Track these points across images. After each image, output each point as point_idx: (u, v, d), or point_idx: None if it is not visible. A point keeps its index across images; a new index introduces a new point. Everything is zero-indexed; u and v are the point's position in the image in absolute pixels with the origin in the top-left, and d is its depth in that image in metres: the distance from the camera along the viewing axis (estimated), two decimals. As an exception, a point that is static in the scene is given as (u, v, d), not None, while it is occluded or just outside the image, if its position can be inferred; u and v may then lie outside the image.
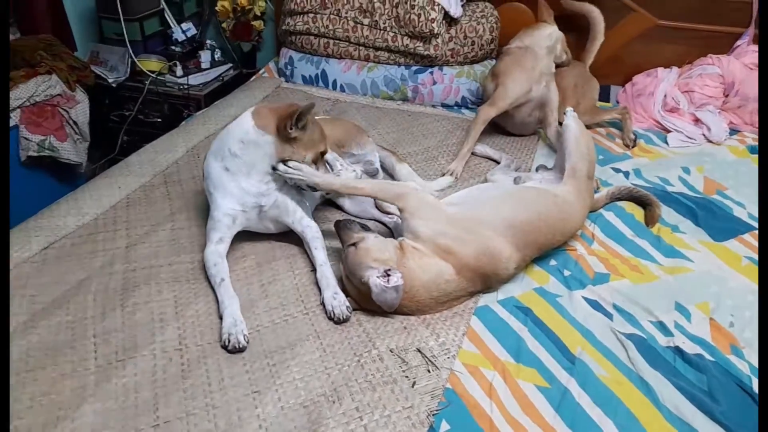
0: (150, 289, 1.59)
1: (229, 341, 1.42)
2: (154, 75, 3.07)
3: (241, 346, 1.42)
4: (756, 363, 1.44)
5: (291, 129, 1.60)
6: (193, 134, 2.38)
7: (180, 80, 3.09)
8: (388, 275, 1.46)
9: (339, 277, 1.61)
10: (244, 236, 1.75)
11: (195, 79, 3.11)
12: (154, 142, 2.34)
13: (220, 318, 1.49)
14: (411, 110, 2.74)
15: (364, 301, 1.52)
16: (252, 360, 1.39)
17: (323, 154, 1.73)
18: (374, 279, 1.46)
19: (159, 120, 3.11)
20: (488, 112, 2.32)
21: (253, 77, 3.10)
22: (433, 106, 2.81)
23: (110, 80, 3.05)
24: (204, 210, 1.89)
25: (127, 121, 3.12)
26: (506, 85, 2.33)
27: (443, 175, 2.19)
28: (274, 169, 1.64)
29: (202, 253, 1.68)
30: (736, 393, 1.36)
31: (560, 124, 2.22)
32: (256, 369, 1.36)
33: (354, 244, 1.55)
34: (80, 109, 2.76)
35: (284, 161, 1.63)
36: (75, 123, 2.72)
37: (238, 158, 1.63)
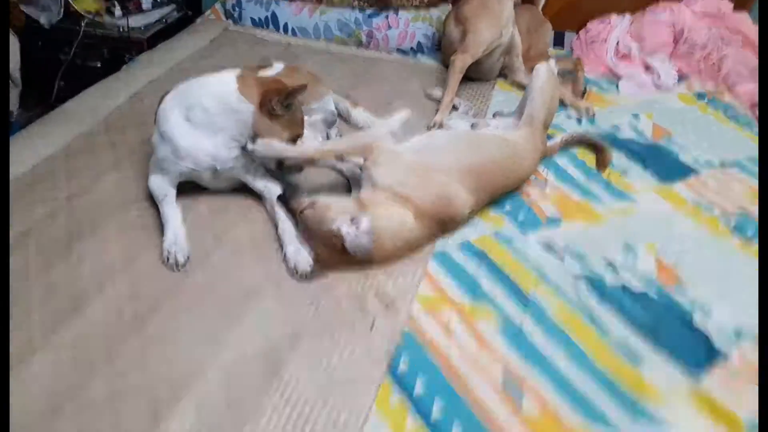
0: (96, 239, 1.53)
1: (168, 258, 1.45)
2: (90, 16, 2.87)
3: (180, 264, 1.43)
4: (698, 299, 1.51)
5: (277, 106, 1.52)
6: (135, 79, 2.26)
7: (119, 22, 2.91)
8: (356, 223, 1.44)
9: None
10: (193, 182, 1.69)
11: (135, 21, 2.93)
12: (92, 87, 2.21)
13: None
14: (366, 56, 2.67)
15: (334, 258, 1.48)
16: (208, 309, 1.36)
17: (299, 136, 1.66)
18: (345, 227, 1.43)
19: (98, 65, 2.93)
20: (465, 60, 2.28)
21: (199, 19, 2.95)
22: (389, 51, 2.75)
23: (42, 21, 2.84)
24: (151, 159, 1.81)
25: (62, 67, 2.93)
26: (478, 30, 2.29)
27: (428, 128, 2.13)
28: (243, 148, 1.57)
29: (148, 182, 1.64)
30: (679, 326, 1.42)
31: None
32: (212, 318, 1.34)
33: (310, 206, 1.51)
34: (10, 53, 2.57)
35: (254, 138, 1.56)
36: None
37: (207, 114, 1.53)
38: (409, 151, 1.68)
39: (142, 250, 1.51)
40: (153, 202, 1.64)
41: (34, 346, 1.24)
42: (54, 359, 1.22)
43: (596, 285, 1.53)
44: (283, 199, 1.58)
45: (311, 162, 1.72)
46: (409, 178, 1.56)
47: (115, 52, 2.91)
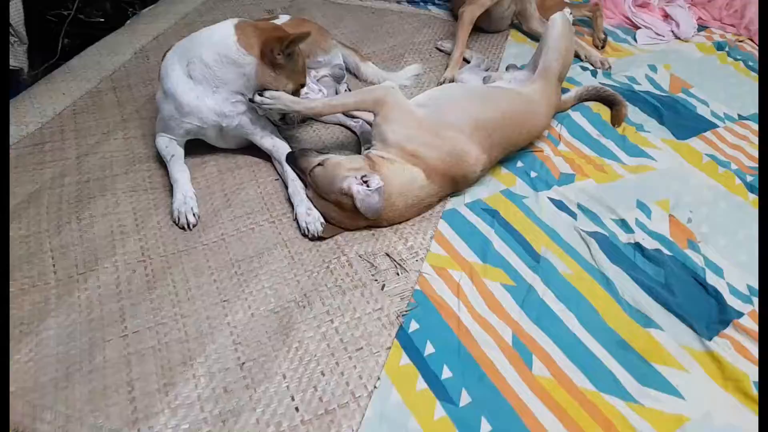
0: (106, 200, 1.53)
1: (178, 219, 1.46)
2: (92, -32, 2.79)
3: (191, 224, 1.44)
4: (711, 257, 1.49)
5: (279, 55, 1.48)
6: (140, 34, 2.21)
7: (122, -26, 2.82)
8: (366, 181, 1.42)
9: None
10: (201, 141, 1.67)
11: (138, -26, 2.85)
12: (97, 43, 2.18)
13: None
14: (375, 7, 2.59)
15: (344, 218, 1.47)
16: (219, 269, 1.37)
17: (302, 86, 1.62)
18: (356, 186, 1.42)
19: (102, 20, 2.86)
20: (473, 11, 2.20)
21: (203, -30, 2.85)
22: (398, 2, 2.66)
23: (43, -26, 2.76)
24: (158, 117, 1.79)
25: (66, 21, 2.87)
26: None
27: (439, 83, 2.08)
28: (251, 100, 1.54)
29: (155, 141, 1.63)
30: (691, 285, 1.41)
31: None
32: (223, 278, 1.35)
33: (320, 165, 1.49)
34: (13, 7, 2.51)
35: (261, 91, 1.52)
36: (9, 24, 2.49)
37: (208, 69, 1.50)
38: (421, 107, 1.64)
39: (152, 211, 1.51)
40: (161, 161, 1.64)
41: (48, 308, 1.26)
42: (68, 321, 1.24)
43: (608, 243, 1.51)
44: (292, 158, 1.57)
45: (319, 116, 1.69)
46: (421, 135, 1.53)
47: (119, 6, 2.83)
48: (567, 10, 1.99)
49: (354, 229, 1.50)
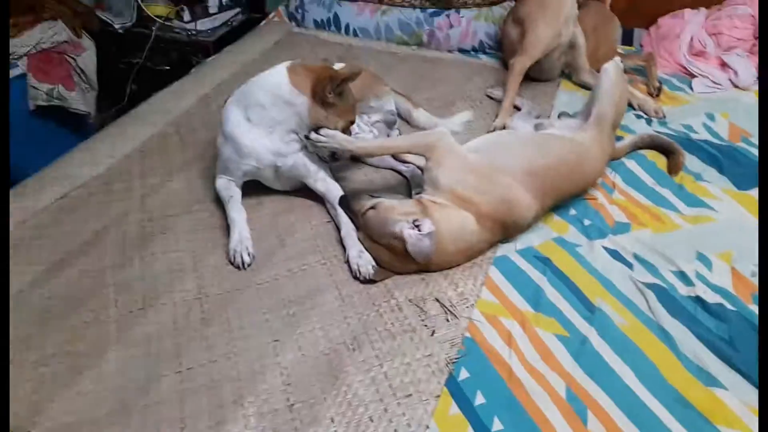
0: (167, 239, 1.60)
1: (234, 258, 1.49)
2: (161, 20, 2.99)
3: (245, 263, 1.48)
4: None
5: (330, 93, 1.55)
6: (203, 81, 2.33)
7: (188, 25, 3.01)
8: (418, 225, 1.44)
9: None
10: (258, 184, 1.73)
11: (203, 25, 3.03)
12: (163, 90, 2.30)
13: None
14: (427, 56, 2.66)
15: (394, 261, 1.48)
16: (271, 309, 1.39)
17: (352, 123, 1.68)
18: (407, 230, 1.43)
19: (167, 68, 3.05)
20: (523, 62, 2.24)
21: (263, 21, 3.01)
22: (450, 51, 2.72)
23: (116, 26, 2.98)
24: (218, 160, 1.87)
25: (135, 69, 3.06)
26: (536, 31, 2.24)
27: (490, 131, 2.08)
28: (306, 137, 1.60)
29: (215, 183, 1.69)
30: (756, 341, 1.34)
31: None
32: (275, 318, 1.37)
33: (372, 208, 1.52)
34: (87, 57, 2.71)
35: (316, 129, 1.58)
36: (82, 71, 2.68)
37: (264, 111, 1.58)
38: (472, 152, 1.65)
39: (210, 250, 1.56)
40: (219, 203, 1.70)
41: (108, 342, 1.30)
42: (126, 356, 1.28)
43: (667, 295, 1.46)
44: (345, 201, 1.60)
45: (371, 156, 1.71)
46: (472, 180, 1.54)
47: (184, 56, 3.01)
48: (618, 59, 2.00)
49: (404, 272, 1.50)
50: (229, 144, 1.63)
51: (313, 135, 1.58)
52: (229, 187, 1.66)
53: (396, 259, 1.49)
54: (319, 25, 2.87)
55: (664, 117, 2.24)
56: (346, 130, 1.65)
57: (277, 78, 1.58)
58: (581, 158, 1.73)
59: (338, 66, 1.94)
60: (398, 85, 2.35)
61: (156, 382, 1.22)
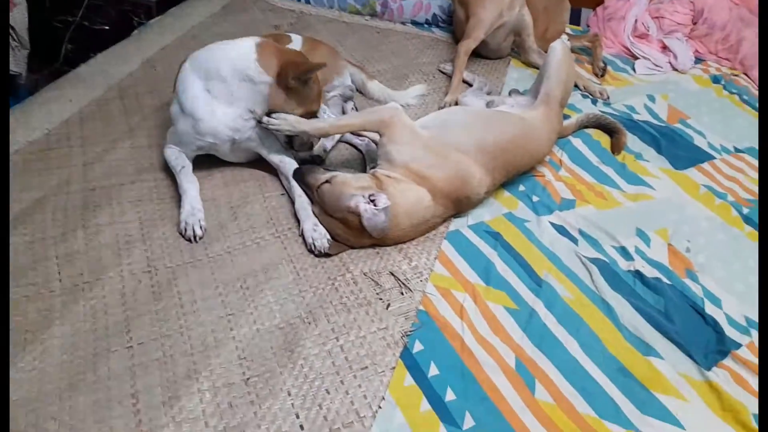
0: (112, 209, 1.53)
1: (185, 230, 1.46)
2: (99, -24, 2.80)
3: (197, 236, 1.45)
4: (709, 287, 1.52)
5: (293, 80, 1.50)
6: (148, 45, 2.23)
7: (128, -17, 2.84)
8: (373, 200, 1.44)
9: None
10: (208, 154, 1.68)
11: (144, -18, 2.86)
12: (104, 51, 2.18)
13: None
14: (380, 26, 2.63)
15: (349, 235, 1.48)
16: (225, 283, 1.37)
17: (314, 114, 1.64)
18: (363, 204, 1.43)
19: (106, 27, 2.88)
20: (468, 45, 2.27)
21: (210, -17, 2.87)
22: (403, 23, 2.70)
23: (50, -20, 2.78)
24: (166, 128, 1.79)
25: (70, 28, 2.88)
26: (477, 14, 2.28)
27: (440, 107, 2.10)
28: (258, 122, 1.56)
29: (164, 152, 1.64)
30: (690, 314, 1.43)
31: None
32: (229, 292, 1.35)
33: (327, 182, 1.51)
34: (18, 13, 2.52)
35: (269, 113, 1.54)
36: (13, 28, 2.50)
37: (225, 84, 1.52)
38: (425, 128, 1.66)
39: (159, 221, 1.52)
40: (167, 172, 1.64)
41: (53, 316, 1.25)
42: (72, 330, 1.23)
43: (609, 270, 1.53)
44: (299, 174, 1.58)
45: (325, 136, 1.70)
46: (427, 156, 1.55)
47: (124, 15, 2.85)
48: (564, 37, 2.04)
49: (359, 246, 1.51)
50: (187, 117, 1.56)
51: (264, 118, 1.55)
52: (179, 157, 1.60)
53: (351, 233, 1.49)
54: (270, -11, 2.78)
55: (608, 99, 2.31)
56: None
57: (243, 52, 1.51)
58: (530, 135, 1.77)
59: (296, 38, 1.90)
60: (350, 56, 2.32)
61: (105, 358, 1.19)
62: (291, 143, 1.65)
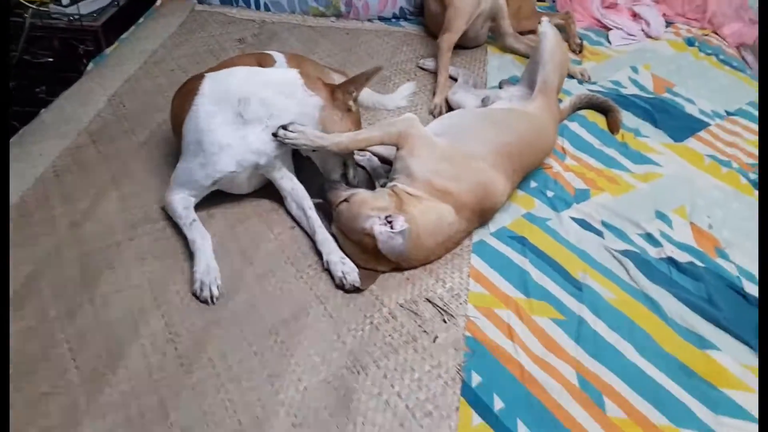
0: (116, 274, 1.39)
1: (201, 291, 1.33)
2: (34, 5, 2.58)
3: (214, 297, 1.33)
4: (741, 263, 1.50)
5: (352, 101, 1.51)
6: (109, 79, 2.05)
7: (68, 10, 2.62)
8: (390, 222, 1.35)
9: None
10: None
11: (85, 7, 2.65)
12: (64, 93, 1.99)
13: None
14: (348, 27, 2.52)
15: (366, 258, 1.40)
16: (257, 339, 1.26)
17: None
18: (378, 227, 1.35)
19: (50, 59, 2.67)
20: (450, 39, 2.20)
21: (158, 1, 2.69)
22: (370, 20, 2.59)
23: (-19, 16, 2.53)
24: (151, 171, 1.67)
25: (12, 63, 2.64)
26: (454, 4, 2.21)
27: (430, 112, 2.04)
28: (274, 135, 1.45)
29: (165, 201, 1.52)
30: (731, 296, 1.41)
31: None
32: (264, 350, 1.24)
33: (346, 200, 1.42)
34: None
35: (284, 126, 1.45)
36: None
37: (266, 106, 1.44)
38: (441, 137, 1.58)
39: (169, 280, 1.39)
40: (166, 220, 1.52)
41: (79, 413, 1.12)
42: (106, 425, 1.10)
43: (642, 261, 1.50)
44: (322, 191, 1.51)
45: (344, 152, 1.59)
46: (448, 168, 1.48)
47: (68, 44, 2.64)
48: (545, 19, 1.98)
49: (380, 270, 1.42)
50: (207, 150, 1.45)
51: (280, 131, 1.45)
52: (189, 206, 1.48)
53: (368, 257, 1.41)
54: (226, 0, 2.62)
55: (590, 79, 2.27)
56: None
57: (288, 77, 1.51)
58: (539, 131, 1.72)
59: (278, 57, 1.80)
60: (325, 62, 2.21)
61: (147, 448, 1.07)
62: (345, 176, 1.58)
